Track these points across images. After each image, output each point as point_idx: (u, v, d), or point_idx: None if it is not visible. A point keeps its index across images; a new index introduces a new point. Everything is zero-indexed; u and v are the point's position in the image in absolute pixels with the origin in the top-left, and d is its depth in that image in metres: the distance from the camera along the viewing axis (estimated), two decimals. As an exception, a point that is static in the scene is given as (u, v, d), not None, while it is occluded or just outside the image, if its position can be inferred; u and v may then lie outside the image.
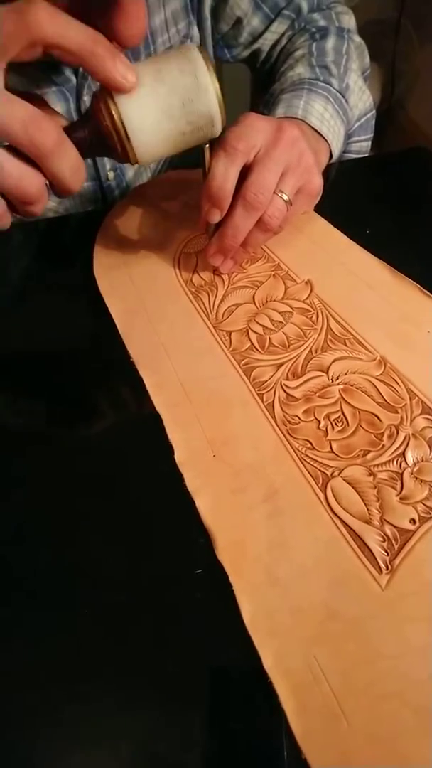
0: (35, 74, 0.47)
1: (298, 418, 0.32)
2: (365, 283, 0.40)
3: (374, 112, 0.57)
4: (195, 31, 0.58)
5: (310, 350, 0.36)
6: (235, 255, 0.41)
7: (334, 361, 0.35)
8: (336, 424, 0.32)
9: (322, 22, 0.60)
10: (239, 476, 0.30)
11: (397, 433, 0.31)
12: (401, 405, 0.32)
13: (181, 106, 0.30)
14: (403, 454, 0.30)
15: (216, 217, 0.38)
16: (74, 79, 0.49)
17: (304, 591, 0.26)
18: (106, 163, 0.56)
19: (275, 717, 0.23)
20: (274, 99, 0.50)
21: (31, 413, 0.35)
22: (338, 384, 0.34)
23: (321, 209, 0.47)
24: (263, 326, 0.38)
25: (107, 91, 0.30)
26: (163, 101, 0.30)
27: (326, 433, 0.31)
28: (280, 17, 0.60)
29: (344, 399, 0.33)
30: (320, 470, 0.30)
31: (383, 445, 0.30)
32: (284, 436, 0.31)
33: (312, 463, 0.30)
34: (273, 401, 0.33)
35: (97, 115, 0.30)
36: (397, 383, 0.33)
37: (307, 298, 0.39)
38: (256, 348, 0.36)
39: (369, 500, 0.28)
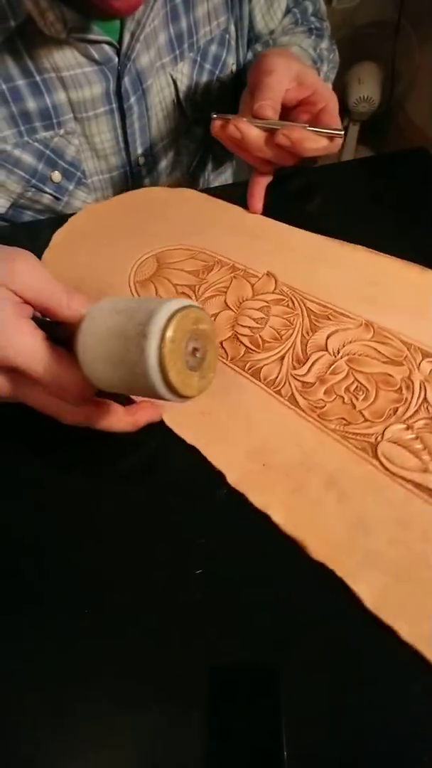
0: (75, 53, 0.48)
1: (323, 401, 0.33)
2: (320, 260, 0.41)
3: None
4: (232, 28, 0.60)
5: (302, 334, 0.36)
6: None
7: (328, 337, 0.36)
8: (358, 394, 0.33)
9: (319, 25, 0.66)
10: (293, 475, 0.30)
11: (412, 383, 0.33)
12: (403, 356, 0.34)
13: (121, 359, 0.26)
14: (426, 398, 0.32)
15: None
16: (116, 59, 0.50)
17: (404, 554, 0.27)
18: (138, 147, 0.57)
19: (275, 717, 0.23)
20: (276, 39, 0.60)
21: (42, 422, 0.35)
22: (342, 357, 0.35)
23: (321, 210, 0.47)
24: (249, 327, 0.38)
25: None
26: (108, 347, 0.26)
27: (354, 406, 0.32)
28: (289, 14, 0.64)
29: (354, 369, 0.34)
30: (365, 441, 0.31)
31: (406, 398, 0.32)
32: (317, 421, 0.32)
33: (354, 437, 0.31)
34: (292, 393, 0.34)
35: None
36: (391, 339, 0.35)
37: (275, 289, 0.40)
38: (252, 349, 0.36)
39: (417, 451, 0.30)
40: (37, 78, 0.48)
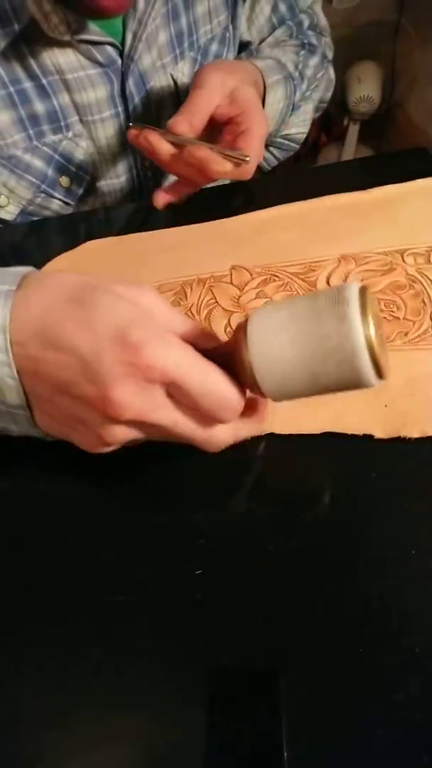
0: (78, 55, 0.48)
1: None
2: (263, 233, 0.44)
3: (296, 149, 0.65)
4: (230, 26, 0.59)
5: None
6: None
7: (328, 281, 0.40)
8: (392, 308, 0.37)
9: (314, 41, 0.64)
10: (416, 396, 0.33)
11: (414, 275, 0.38)
12: (389, 263, 0.39)
13: (317, 340, 0.24)
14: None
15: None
16: (119, 61, 0.49)
17: None
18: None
19: (275, 717, 0.23)
20: (258, 51, 0.59)
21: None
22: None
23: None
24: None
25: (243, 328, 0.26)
26: (298, 334, 0.24)
27: (397, 318, 0.36)
28: (284, 26, 0.63)
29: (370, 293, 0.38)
30: (428, 336, 0.35)
31: (421, 289, 0.37)
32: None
33: (419, 339, 0.35)
34: None
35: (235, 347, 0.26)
36: (369, 256, 0.40)
37: (253, 275, 0.41)
38: None
39: None
40: (43, 81, 0.48)
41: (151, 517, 0.30)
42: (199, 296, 0.40)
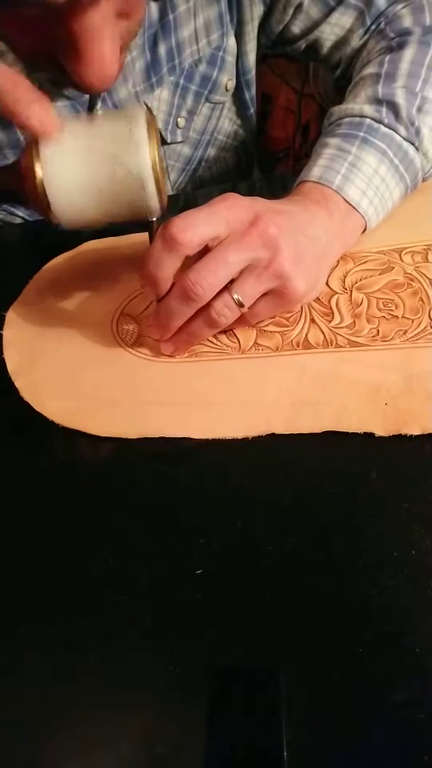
0: (46, 87, 0.45)
1: (374, 329, 0.36)
2: None
3: None
4: (231, 41, 0.53)
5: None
6: (175, 340, 0.36)
7: (327, 283, 0.39)
8: (390, 307, 0.37)
9: (406, 21, 0.46)
10: (413, 395, 0.33)
11: (412, 274, 0.39)
12: (387, 261, 0.40)
13: (106, 158, 0.27)
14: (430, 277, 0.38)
15: (151, 296, 0.34)
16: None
17: None
18: None
19: (275, 717, 0.23)
20: (322, 140, 0.41)
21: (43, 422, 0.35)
22: (351, 290, 0.39)
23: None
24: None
25: (33, 139, 0.28)
26: (87, 150, 0.27)
27: (395, 316, 0.37)
28: (343, 6, 0.49)
29: (368, 293, 0.38)
30: (428, 335, 0.35)
31: (420, 287, 0.38)
32: (386, 345, 0.35)
33: (418, 338, 0.35)
34: (348, 339, 0.36)
35: (18, 165, 0.28)
36: (367, 255, 0.40)
37: None
38: (284, 330, 0.37)
39: None
40: None
41: (151, 517, 0.30)
42: None
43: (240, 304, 0.33)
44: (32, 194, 0.28)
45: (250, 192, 0.52)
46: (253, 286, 0.33)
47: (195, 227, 0.31)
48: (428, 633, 0.25)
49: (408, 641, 0.24)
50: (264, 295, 0.34)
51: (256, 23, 0.53)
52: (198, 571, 0.27)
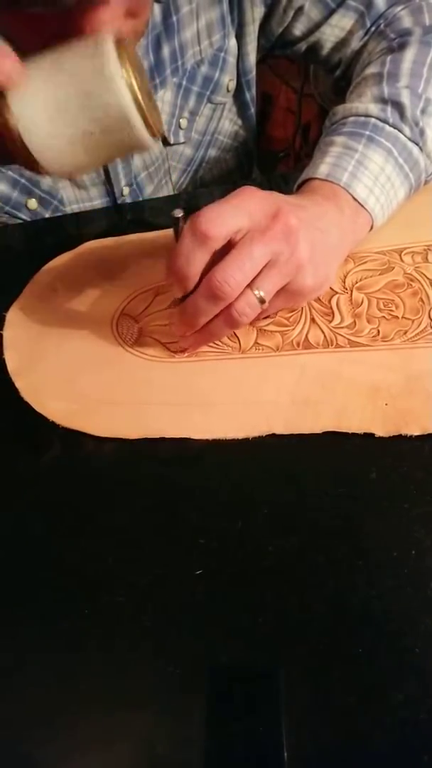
0: None
1: (374, 329, 0.36)
2: None
3: None
4: (232, 42, 0.54)
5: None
6: (196, 337, 0.36)
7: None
8: (390, 307, 0.37)
9: (406, 22, 0.47)
10: (413, 394, 0.33)
11: (412, 275, 0.39)
12: (387, 262, 0.40)
13: (80, 98, 0.25)
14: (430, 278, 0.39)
15: (179, 293, 0.34)
16: None
17: None
18: (122, 179, 0.54)
19: (275, 717, 0.23)
20: (327, 139, 0.41)
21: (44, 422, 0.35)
22: (352, 290, 0.39)
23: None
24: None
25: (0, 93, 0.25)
26: (58, 92, 0.25)
27: (396, 317, 0.37)
28: (343, 8, 0.50)
29: (368, 294, 0.38)
30: (429, 335, 0.36)
31: (420, 287, 0.38)
32: (387, 345, 0.35)
33: (418, 337, 0.35)
34: (349, 339, 0.36)
35: None
36: (367, 255, 0.40)
37: None
38: (285, 330, 0.37)
39: None
40: None
41: (152, 517, 0.30)
42: None
43: (261, 301, 0.33)
44: (14, 151, 0.25)
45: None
46: (274, 281, 0.33)
47: (223, 220, 0.31)
48: (428, 633, 0.25)
49: (408, 641, 0.24)
50: (280, 290, 0.34)
51: (257, 25, 0.54)
52: (198, 571, 0.27)
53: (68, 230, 0.51)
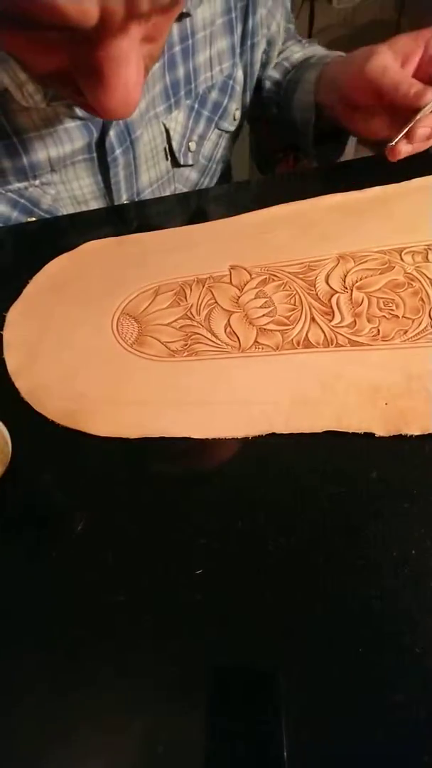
0: (59, 106, 0.45)
1: (374, 329, 0.36)
2: (257, 233, 0.44)
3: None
4: (239, 73, 0.58)
5: (306, 293, 0.39)
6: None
7: (327, 281, 0.40)
8: (391, 306, 0.37)
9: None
10: (413, 396, 0.33)
11: (412, 274, 0.39)
12: (387, 261, 0.40)
13: None
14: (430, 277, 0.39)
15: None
16: None
17: None
18: (123, 193, 0.55)
19: (275, 717, 0.23)
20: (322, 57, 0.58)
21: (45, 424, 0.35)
22: (352, 289, 0.39)
23: (321, 209, 0.47)
24: (264, 315, 0.38)
25: None
26: None
27: (396, 316, 0.37)
28: (293, 42, 0.66)
29: (369, 293, 0.38)
30: (429, 334, 0.36)
31: (420, 287, 0.38)
32: (387, 345, 0.35)
33: (419, 337, 0.36)
34: (349, 339, 0.36)
35: None
36: (368, 254, 0.41)
37: (252, 275, 0.41)
38: (285, 329, 0.37)
39: None
40: (14, 139, 0.46)
41: (152, 517, 0.30)
42: (199, 296, 0.40)
43: None
44: None
45: (250, 192, 0.52)
46: None
47: None
48: (428, 633, 0.25)
49: (408, 641, 0.24)
50: None
51: (257, 64, 0.60)
52: (198, 571, 0.27)
53: (68, 231, 0.51)
